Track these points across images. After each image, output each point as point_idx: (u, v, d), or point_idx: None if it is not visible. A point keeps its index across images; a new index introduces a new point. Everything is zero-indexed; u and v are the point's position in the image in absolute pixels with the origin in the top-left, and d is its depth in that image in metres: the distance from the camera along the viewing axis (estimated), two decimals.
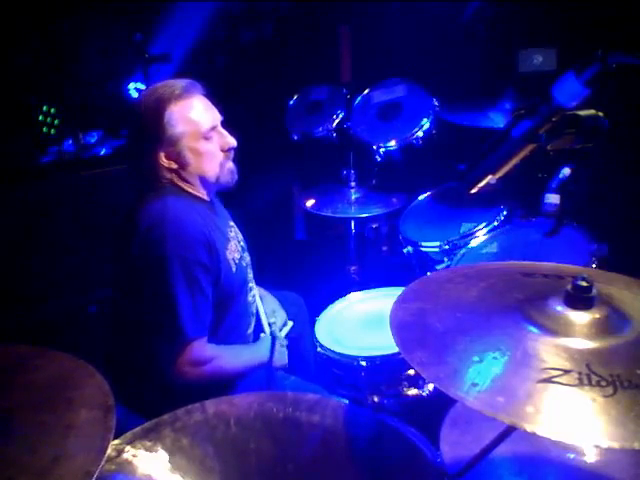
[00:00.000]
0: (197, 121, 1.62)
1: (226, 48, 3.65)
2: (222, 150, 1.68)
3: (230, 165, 1.71)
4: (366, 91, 3.00)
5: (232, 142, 1.70)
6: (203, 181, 1.69)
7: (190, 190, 1.68)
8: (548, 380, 0.82)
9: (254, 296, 1.88)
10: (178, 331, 1.53)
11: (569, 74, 1.21)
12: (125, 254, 1.62)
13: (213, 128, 1.66)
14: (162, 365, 1.56)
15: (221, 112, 1.70)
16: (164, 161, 1.62)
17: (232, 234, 1.80)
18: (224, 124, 1.72)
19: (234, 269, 1.70)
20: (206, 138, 1.64)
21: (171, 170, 1.64)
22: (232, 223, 1.87)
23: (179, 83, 1.64)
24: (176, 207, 1.59)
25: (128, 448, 1.06)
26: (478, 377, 0.84)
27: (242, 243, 1.85)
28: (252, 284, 1.87)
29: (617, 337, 0.91)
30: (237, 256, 1.74)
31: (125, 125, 1.72)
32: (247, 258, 1.85)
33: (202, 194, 1.72)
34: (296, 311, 2.18)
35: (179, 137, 1.60)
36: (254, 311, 1.88)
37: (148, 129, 1.60)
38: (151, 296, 1.56)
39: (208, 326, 1.61)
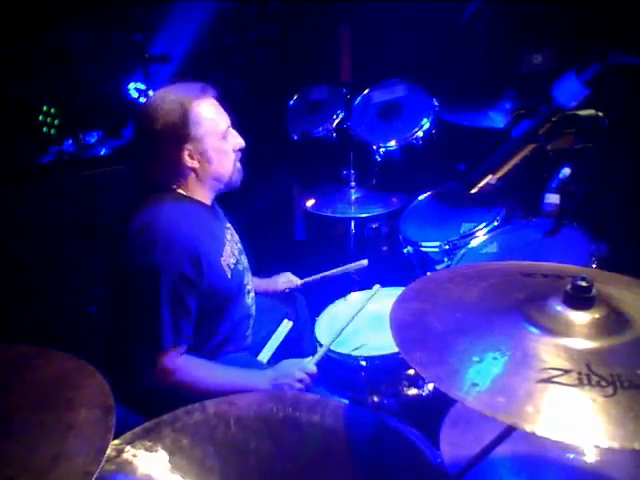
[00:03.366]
0: (216, 121, 1.65)
1: (226, 49, 3.66)
2: (233, 150, 1.71)
3: (239, 165, 1.75)
4: (366, 91, 3.00)
5: (242, 143, 1.74)
6: (216, 181, 1.71)
7: (193, 195, 1.68)
8: (548, 380, 0.82)
9: (252, 298, 1.88)
10: (155, 339, 1.52)
11: (569, 74, 1.21)
12: (116, 256, 1.63)
13: (227, 128, 1.69)
14: (140, 369, 1.56)
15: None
16: (187, 160, 1.62)
17: (228, 237, 1.79)
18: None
19: (229, 275, 1.69)
20: (224, 137, 1.67)
21: (192, 169, 1.64)
22: (229, 225, 1.87)
23: (195, 85, 1.66)
24: (170, 213, 1.58)
25: (128, 448, 1.06)
26: (478, 377, 0.84)
27: (239, 245, 1.85)
28: (250, 286, 1.86)
29: (617, 337, 0.91)
30: (232, 261, 1.74)
31: (136, 128, 1.68)
32: (244, 261, 1.85)
33: (206, 198, 1.72)
34: (296, 311, 2.18)
35: (203, 136, 1.62)
36: (252, 313, 1.87)
37: (171, 129, 1.58)
38: (136, 302, 1.56)
39: (187, 338, 1.58)
